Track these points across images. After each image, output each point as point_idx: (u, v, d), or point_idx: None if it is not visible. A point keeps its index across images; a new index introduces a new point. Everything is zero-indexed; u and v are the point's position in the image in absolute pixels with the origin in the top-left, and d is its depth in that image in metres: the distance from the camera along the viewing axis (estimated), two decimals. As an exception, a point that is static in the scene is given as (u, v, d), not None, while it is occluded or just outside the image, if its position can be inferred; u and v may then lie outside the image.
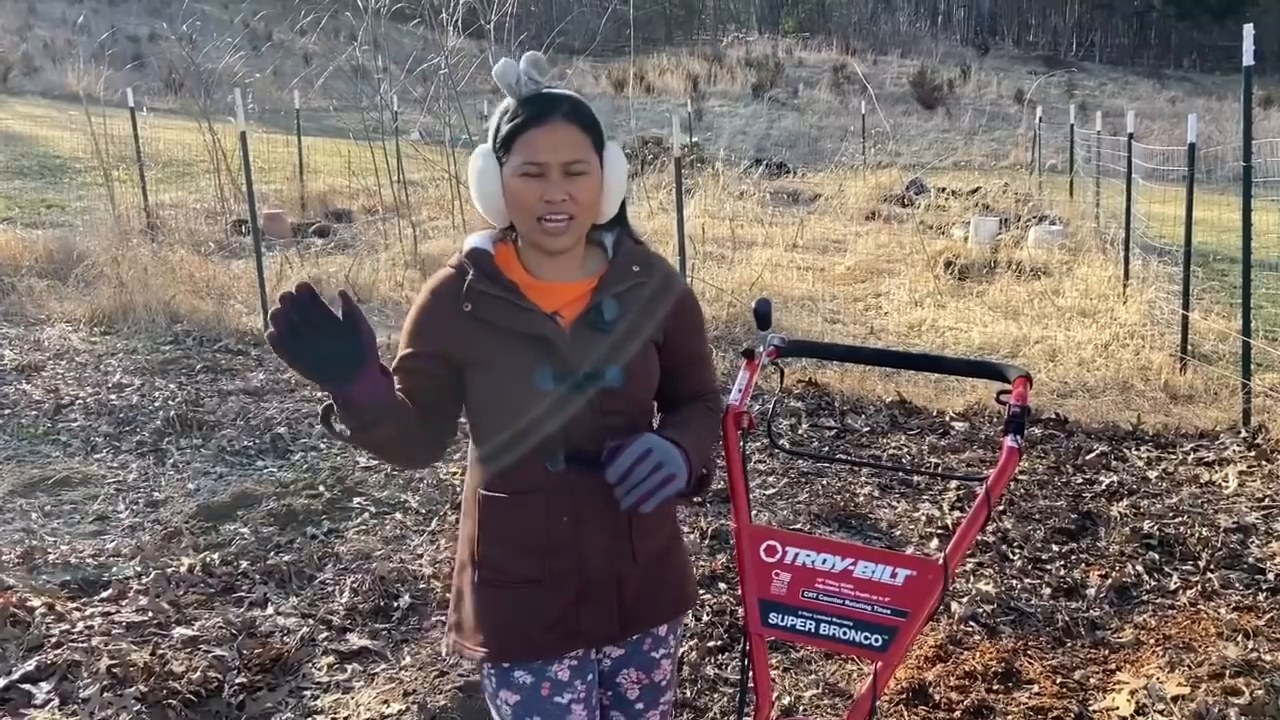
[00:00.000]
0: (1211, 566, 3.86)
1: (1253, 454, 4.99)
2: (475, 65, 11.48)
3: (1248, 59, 5.30)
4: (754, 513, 4.24)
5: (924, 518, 4.36)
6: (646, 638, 1.85)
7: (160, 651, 3.23)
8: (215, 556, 3.96)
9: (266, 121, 16.44)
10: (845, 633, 1.80)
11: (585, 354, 1.70)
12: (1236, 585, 3.73)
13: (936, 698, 3.02)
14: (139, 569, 3.87)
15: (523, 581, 1.74)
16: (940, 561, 1.79)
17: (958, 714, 2.95)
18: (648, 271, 1.78)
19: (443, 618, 3.58)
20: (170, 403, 5.92)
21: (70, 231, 10.39)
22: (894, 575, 1.79)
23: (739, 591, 3.55)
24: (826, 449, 5.25)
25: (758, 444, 5.14)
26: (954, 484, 4.66)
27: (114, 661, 3.12)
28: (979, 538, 4.10)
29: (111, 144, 11.68)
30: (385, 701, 2.99)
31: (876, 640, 1.78)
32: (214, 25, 26.12)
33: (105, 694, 2.96)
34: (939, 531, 4.20)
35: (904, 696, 3.02)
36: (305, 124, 15.31)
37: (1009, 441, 1.85)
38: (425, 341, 1.72)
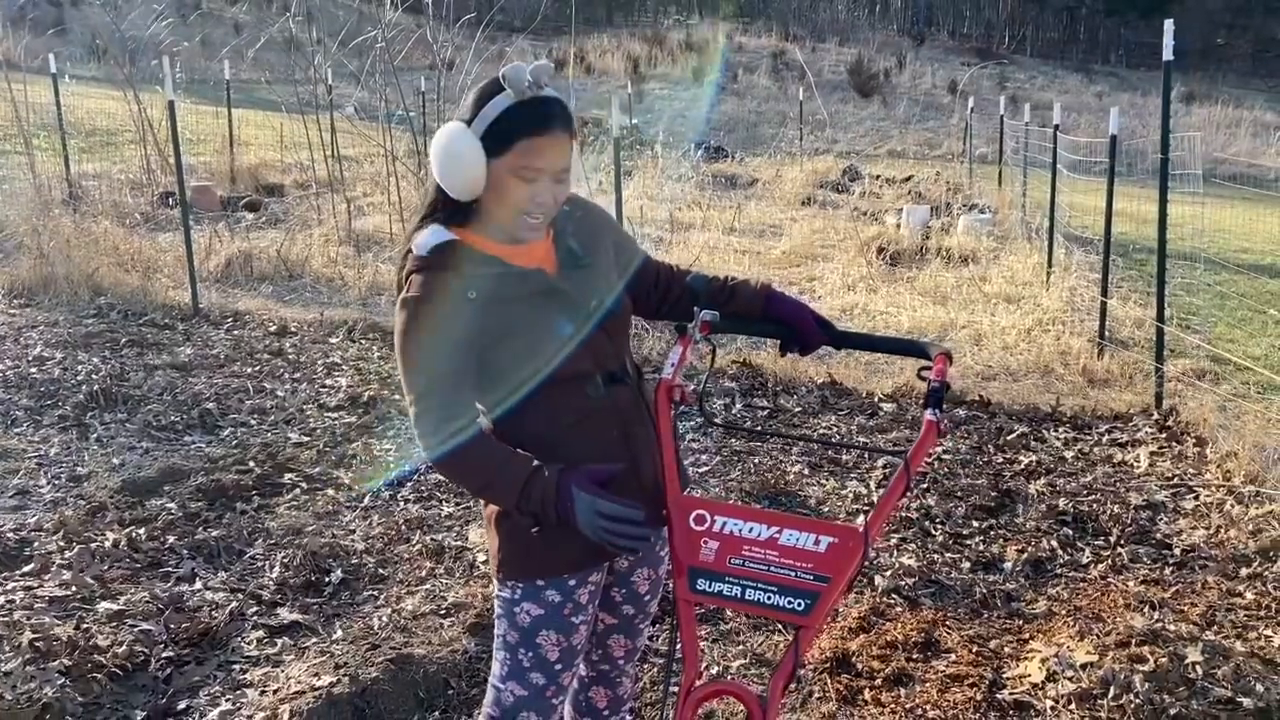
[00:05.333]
0: (1122, 542, 4.03)
1: (1164, 435, 5.20)
2: (413, 40, 11.34)
3: (1167, 54, 5.49)
4: (688, 489, 4.30)
5: (851, 494, 4.47)
6: (657, 540, 2.06)
7: (85, 625, 3.19)
8: (141, 531, 3.90)
9: (194, 92, 16.02)
10: (770, 597, 1.85)
11: (583, 291, 1.89)
12: (1144, 559, 3.90)
13: (859, 666, 3.12)
14: (62, 543, 3.80)
15: None
16: (861, 529, 1.85)
17: (879, 682, 3.05)
18: (573, 205, 1.97)
19: (374, 592, 3.59)
20: (94, 376, 5.78)
21: (-12, 201, 10.05)
22: (817, 542, 1.85)
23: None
24: (759, 428, 5.34)
25: (691, 422, 5.21)
26: (880, 463, 4.79)
27: (36, 635, 3.07)
28: (904, 514, 4.22)
29: (32, 112, 11.30)
30: (316, 674, 2.99)
31: (799, 605, 1.83)
32: (140, -9, 25.31)
33: (28, 667, 2.92)
34: (865, 508, 4.31)
35: (828, 665, 3.11)
36: (235, 96, 14.95)
37: (928, 415, 1.92)
38: (453, 343, 1.78)
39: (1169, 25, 5.42)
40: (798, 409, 5.62)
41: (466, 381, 1.81)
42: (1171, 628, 3.22)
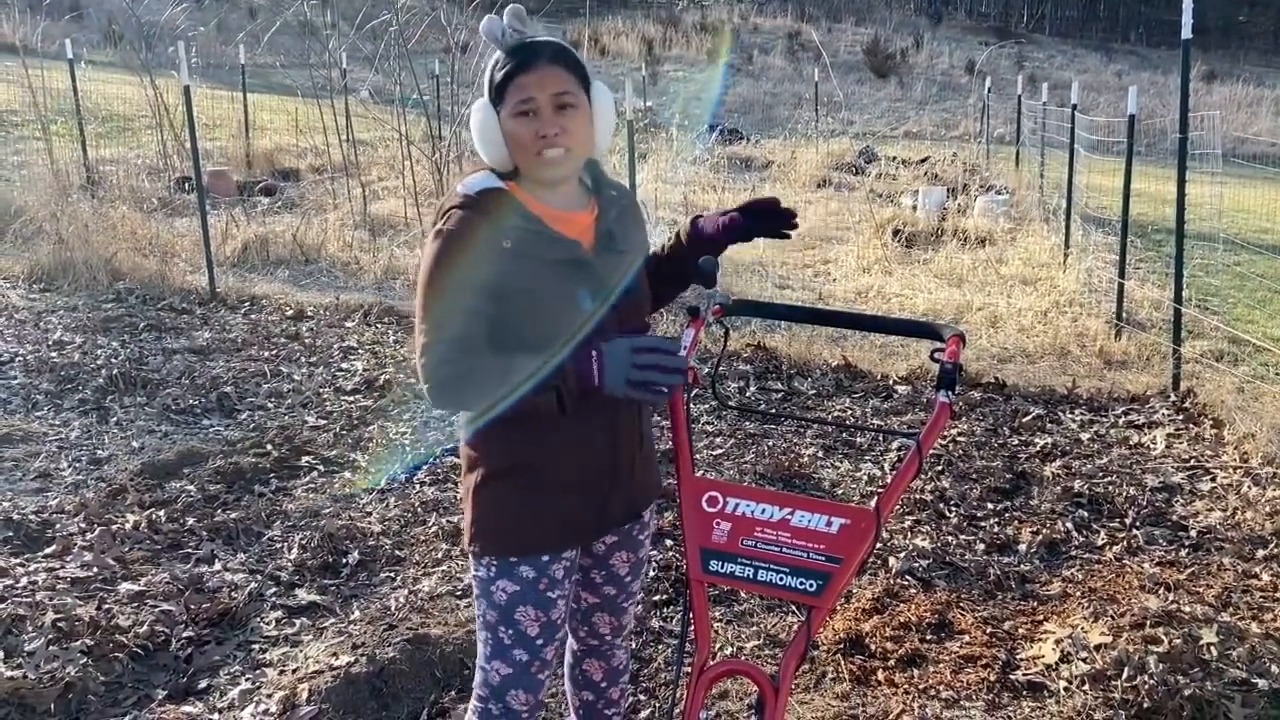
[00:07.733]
0: (1137, 524, 4.02)
1: (1180, 417, 5.17)
2: (427, 23, 11.31)
3: (1186, 32, 5.43)
4: (702, 471, 4.31)
5: (865, 477, 4.47)
6: (635, 525, 2.10)
7: (106, 606, 3.24)
8: (161, 513, 3.95)
9: (210, 77, 16.04)
10: (781, 578, 1.86)
11: (611, 274, 1.91)
12: (1160, 541, 3.89)
13: (872, 648, 3.13)
14: (83, 525, 3.85)
15: (563, 482, 1.91)
16: (873, 510, 1.86)
17: (892, 663, 3.06)
18: (621, 193, 2.03)
19: (391, 574, 3.62)
20: (113, 361, 5.84)
21: (7, 187, 10.12)
22: (829, 524, 1.86)
23: (683, 547, 3.64)
24: (772, 410, 5.34)
25: (706, 405, 5.22)
26: (895, 445, 4.78)
27: (59, 616, 3.12)
28: (918, 496, 4.22)
29: (49, 97, 11.36)
30: (334, 654, 3.02)
31: (811, 585, 1.84)
32: (155, -24, 25.32)
33: (51, 647, 2.96)
34: (880, 490, 4.30)
35: (841, 646, 3.12)
36: (251, 80, 14.97)
37: (941, 397, 1.92)
38: (478, 283, 1.78)
39: (1188, 2, 5.35)
40: (812, 392, 5.62)
41: (481, 324, 1.78)
42: (1186, 609, 3.22)
